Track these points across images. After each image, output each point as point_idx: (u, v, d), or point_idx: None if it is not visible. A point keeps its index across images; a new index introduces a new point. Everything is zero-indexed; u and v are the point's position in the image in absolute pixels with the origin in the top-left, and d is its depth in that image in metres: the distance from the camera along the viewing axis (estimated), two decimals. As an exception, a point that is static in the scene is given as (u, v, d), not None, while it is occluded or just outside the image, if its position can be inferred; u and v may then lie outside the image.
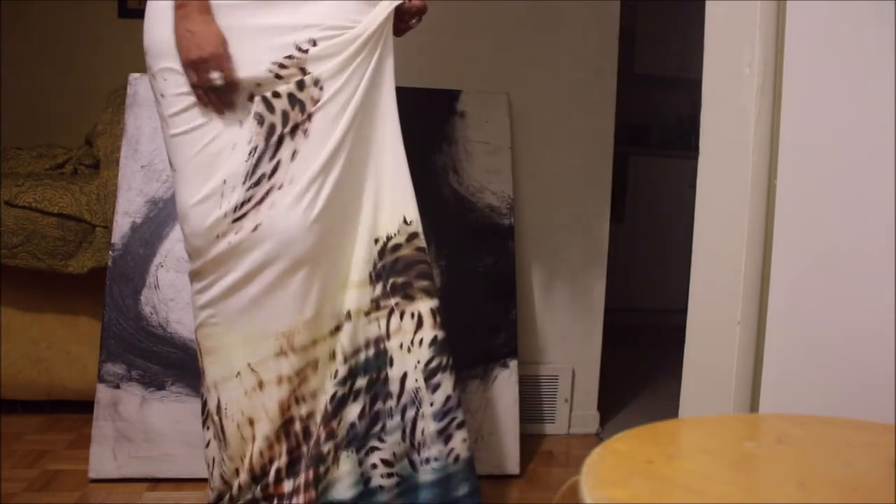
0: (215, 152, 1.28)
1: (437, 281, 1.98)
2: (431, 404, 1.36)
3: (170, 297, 1.87)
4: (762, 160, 1.03)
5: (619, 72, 2.23)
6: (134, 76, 1.96)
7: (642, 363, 3.01)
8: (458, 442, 1.40)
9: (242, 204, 1.28)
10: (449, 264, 2.01)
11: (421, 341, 1.35)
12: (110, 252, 1.89)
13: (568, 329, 2.25)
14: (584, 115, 2.21)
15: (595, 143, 2.23)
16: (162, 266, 1.88)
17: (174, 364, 1.84)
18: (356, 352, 1.35)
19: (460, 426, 1.39)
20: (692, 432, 0.74)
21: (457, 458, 1.39)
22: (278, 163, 1.28)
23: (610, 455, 0.63)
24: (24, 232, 1.97)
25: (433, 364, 1.36)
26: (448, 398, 1.37)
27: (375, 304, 1.35)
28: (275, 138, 1.28)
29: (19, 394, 2.13)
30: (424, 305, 1.36)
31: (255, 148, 1.28)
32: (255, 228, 1.28)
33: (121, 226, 1.89)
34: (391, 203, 1.39)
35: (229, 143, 1.28)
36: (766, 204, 1.03)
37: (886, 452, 0.64)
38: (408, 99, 2.09)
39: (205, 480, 1.56)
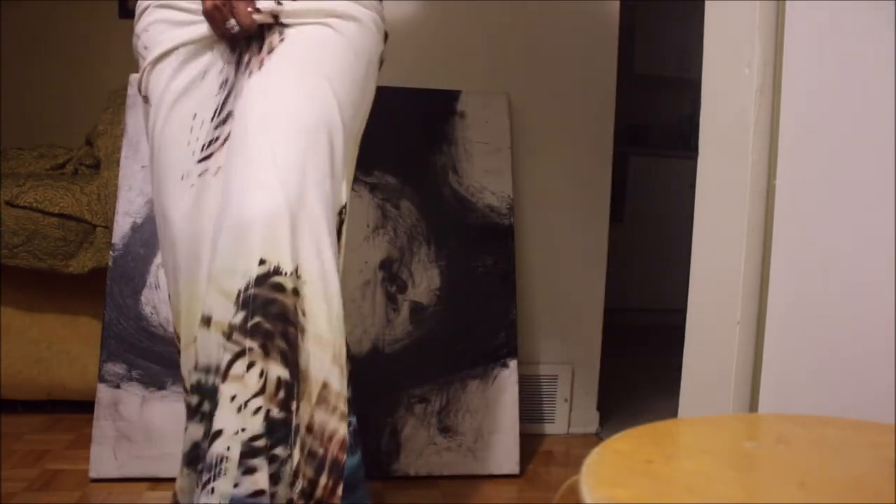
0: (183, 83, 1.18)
1: (437, 281, 1.99)
2: (236, 485, 1.04)
3: (170, 297, 1.87)
4: (762, 160, 1.03)
5: (618, 72, 2.23)
6: (134, 76, 1.95)
7: (642, 363, 3.01)
8: None
9: (210, 143, 1.17)
10: (449, 264, 2.01)
11: (257, 410, 1.05)
12: (111, 252, 1.89)
13: (568, 329, 2.25)
14: (583, 115, 2.21)
15: (595, 143, 2.23)
16: (162, 266, 1.88)
17: (175, 364, 1.83)
18: (207, 369, 1.10)
19: None
20: (692, 432, 0.75)
21: None
22: (237, 99, 1.16)
23: (610, 455, 0.63)
24: (25, 232, 1.97)
25: (258, 443, 1.05)
26: (258, 494, 1.04)
27: (230, 333, 1.07)
28: (241, 70, 1.17)
29: (19, 394, 2.13)
30: (276, 371, 1.06)
31: (226, 80, 1.18)
32: (217, 172, 1.15)
33: (121, 226, 1.89)
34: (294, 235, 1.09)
35: (200, 70, 1.18)
36: (766, 204, 1.03)
37: (886, 452, 0.64)
38: (408, 99, 2.10)
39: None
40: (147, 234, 1.90)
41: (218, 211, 1.13)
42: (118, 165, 1.96)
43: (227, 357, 1.06)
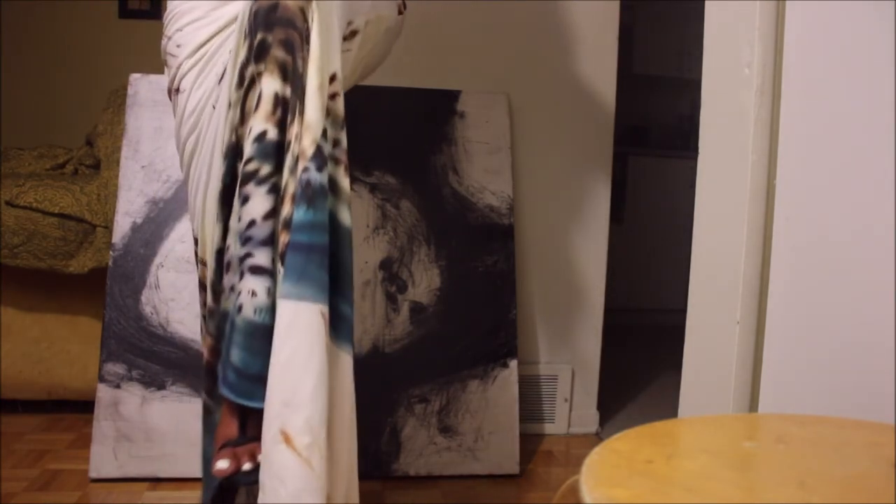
0: None
1: (437, 281, 1.99)
2: (239, 219, 0.95)
3: (170, 297, 1.87)
4: (762, 160, 1.03)
5: (618, 72, 2.23)
6: (134, 76, 1.96)
7: (642, 363, 3.01)
8: (245, 291, 0.93)
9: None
10: (449, 264, 2.01)
11: (249, 131, 0.94)
12: (111, 252, 1.89)
13: (568, 329, 2.25)
14: (583, 115, 2.22)
15: (594, 143, 2.23)
16: (162, 266, 1.88)
17: (175, 364, 1.84)
18: None
19: (255, 272, 0.93)
20: (692, 432, 0.75)
21: (239, 309, 0.94)
22: None
23: (610, 455, 0.63)
24: (25, 232, 1.97)
25: (250, 166, 0.93)
26: (252, 224, 0.93)
27: (241, 73, 0.98)
28: None
29: (20, 393, 2.13)
30: (273, 85, 0.93)
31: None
32: None
33: (121, 226, 1.90)
34: None
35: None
36: (766, 204, 1.03)
37: (886, 452, 0.64)
38: (408, 99, 2.11)
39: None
40: (147, 235, 1.90)
41: None
42: (118, 165, 1.96)
43: (240, 92, 0.97)
